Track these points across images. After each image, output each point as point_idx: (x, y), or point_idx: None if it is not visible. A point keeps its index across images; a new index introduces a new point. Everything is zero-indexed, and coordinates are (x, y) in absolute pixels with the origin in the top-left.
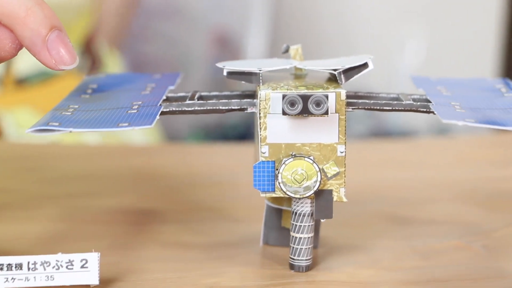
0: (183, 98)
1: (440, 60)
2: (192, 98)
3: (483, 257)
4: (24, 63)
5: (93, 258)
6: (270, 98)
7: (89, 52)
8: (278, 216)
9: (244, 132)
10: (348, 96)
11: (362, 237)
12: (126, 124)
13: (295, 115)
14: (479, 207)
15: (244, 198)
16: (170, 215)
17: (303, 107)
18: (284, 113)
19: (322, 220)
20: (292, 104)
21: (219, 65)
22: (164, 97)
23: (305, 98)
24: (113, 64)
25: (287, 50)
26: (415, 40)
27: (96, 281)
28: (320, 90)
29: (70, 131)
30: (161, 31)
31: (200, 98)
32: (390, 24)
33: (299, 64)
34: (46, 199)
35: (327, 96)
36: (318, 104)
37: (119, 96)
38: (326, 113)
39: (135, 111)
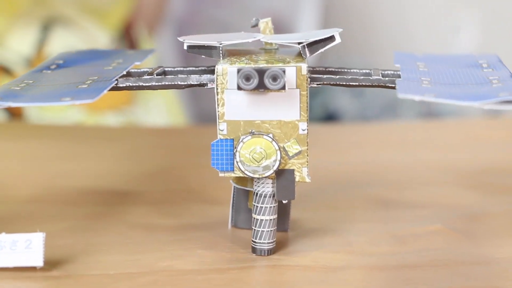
0: (143, 74)
1: (496, 44)
2: (151, 74)
3: (462, 242)
4: (56, 45)
5: (38, 238)
6: (227, 72)
7: (128, 37)
8: (246, 197)
9: None
10: (314, 71)
11: (339, 220)
12: (69, 98)
13: (251, 90)
14: (474, 191)
15: (226, 180)
16: (144, 196)
17: (259, 81)
18: (239, 88)
19: (284, 201)
20: (248, 78)
21: (180, 39)
22: (124, 72)
23: (261, 72)
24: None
25: (256, 24)
26: (470, 24)
27: (40, 263)
28: (280, 64)
29: (9, 105)
30: (213, 17)
31: (163, 73)
32: (444, 8)
33: (263, 37)
34: (23, 179)
35: (284, 71)
36: (274, 78)
37: (79, 72)
38: (283, 88)
39: (86, 85)
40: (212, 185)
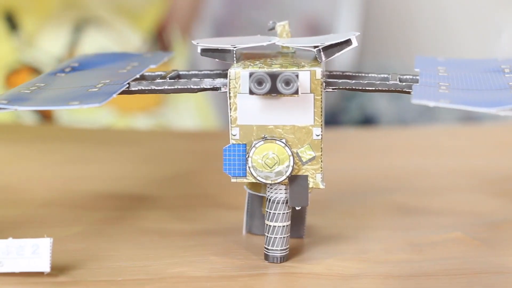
0: (157, 77)
1: None
2: (164, 77)
3: (482, 251)
4: (88, 46)
5: (45, 244)
6: (240, 76)
7: (160, 40)
8: (261, 203)
9: (328, 120)
10: (330, 76)
11: (356, 227)
12: (77, 102)
13: (264, 94)
14: (496, 198)
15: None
16: (160, 201)
17: (271, 86)
18: (251, 92)
19: (297, 208)
20: (260, 82)
21: (194, 42)
22: (138, 76)
23: (273, 77)
24: (182, 53)
25: (273, 27)
26: None
27: (47, 268)
28: (294, 69)
29: (16, 109)
30: (251, 19)
31: (178, 77)
32: (487, 9)
33: (278, 41)
34: (40, 182)
35: (297, 75)
36: (287, 83)
37: (92, 75)
38: (297, 92)
39: (96, 89)
40: (229, 190)
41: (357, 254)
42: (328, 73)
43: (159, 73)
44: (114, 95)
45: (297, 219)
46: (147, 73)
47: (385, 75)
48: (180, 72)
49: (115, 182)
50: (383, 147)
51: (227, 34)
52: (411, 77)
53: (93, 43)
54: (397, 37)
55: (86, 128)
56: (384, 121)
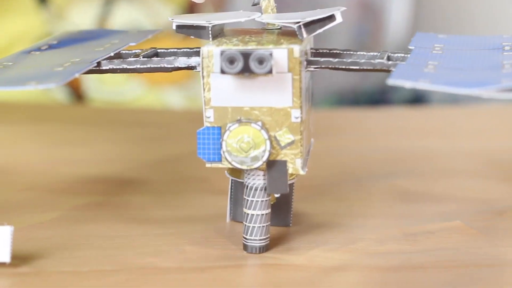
0: (130, 56)
1: None
2: (138, 55)
3: (478, 241)
4: (119, 19)
5: (5, 232)
6: (213, 54)
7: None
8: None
9: (377, 98)
10: (315, 54)
11: (349, 214)
12: (34, 82)
13: (236, 74)
14: (505, 183)
15: None
16: (148, 185)
17: (244, 65)
18: (222, 71)
19: (276, 195)
20: (231, 61)
21: (170, 18)
22: (112, 54)
23: (246, 55)
24: None
25: (258, 2)
26: None
27: (6, 258)
28: (270, 46)
29: None
30: None
31: (155, 55)
32: None
33: (258, 17)
34: (25, 164)
35: (271, 53)
36: (260, 61)
37: (65, 53)
38: (270, 72)
39: (62, 68)
40: (222, 175)
41: (345, 244)
42: (314, 50)
43: (136, 51)
44: (77, 75)
45: (283, 207)
46: (124, 51)
47: (375, 53)
48: (158, 50)
49: (105, 165)
50: (397, 128)
51: (279, 11)
52: (402, 55)
53: (124, 16)
54: (451, 15)
55: (90, 107)
56: (436, 100)
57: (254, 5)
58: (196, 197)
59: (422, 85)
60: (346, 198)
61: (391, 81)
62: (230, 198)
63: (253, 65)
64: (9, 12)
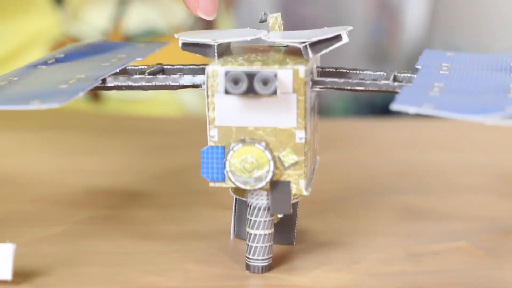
0: (135, 72)
1: None
2: (143, 72)
3: (485, 263)
4: (133, 19)
5: (7, 250)
6: (217, 74)
7: None
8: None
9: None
10: (322, 73)
11: (354, 233)
12: (38, 101)
13: (240, 94)
14: None
15: None
16: (154, 198)
17: (248, 85)
18: (227, 92)
19: (279, 215)
20: (236, 82)
21: (176, 35)
22: (118, 70)
23: (250, 76)
24: (227, 26)
25: (265, 20)
26: None
27: (8, 276)
28: (275, 67)
29: None
30: None
31: (162, 71)
32: None
33: (265, 36)
34: (32, 174)
35: (275, 74)
36: (265, 82)
37: (71, 68)
38: (275, 93)
39: (66, 85)
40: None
41: (349, 264)
42: (320, 69)
43: (143, 67)
44: (81, 93)
45: (287, 225)
46: (130, 67)
47: (381, 73)
48: (165, 67)
49: (112, 176)
50: (409, 140)
51: (297, 8)
52: (409, 75)
53: (138, 16)
54: (467, 13)
55: (101, 115)
56: None
57: (261, 22)
58: (203, 211)
59: (426, 110)
60: (352, 215)
61: (395, 107)
62: (234, 215)
63: (257, 86)
64: (25, 13)
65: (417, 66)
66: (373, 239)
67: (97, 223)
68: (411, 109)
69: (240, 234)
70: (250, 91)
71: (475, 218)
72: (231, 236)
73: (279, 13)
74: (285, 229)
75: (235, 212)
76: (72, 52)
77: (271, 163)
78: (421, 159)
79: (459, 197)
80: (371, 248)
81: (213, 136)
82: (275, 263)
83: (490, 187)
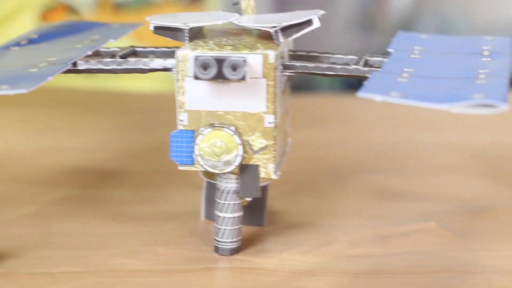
0: (108, 54)
1: None
2: (114, 55)
3: (452, 245)
4: None
5: None
6: (188, 58)
7: None
8: None
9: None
10: (293, 56)
11: (325, 214)
12: (6, 86)
13: (209, 80)
14: (486, 179)
15: None
16: (128, 177)
17: (217, 71)
18: (196, 77)
19: (248, 199)
20: (205, 67)
21: (148, 18)
22: (89, 53)
23: (219, 61)
24: (216, 7)
25: (238, 2)
26: None
27: None
28: (244, 52)
29: None
30: None
31: (134, 54)
32: None
33: (235, 19)
34: (5, 154)
35: (245, 60)
36: (234, 68)
37: (43, 50)
38: (244, 78)
39: (37, 69)
40: None
41: (318, 247)
42: (292, 52)
43: (115, 49)
44: (50, 78)
45: (257, 206)
46: (103, 49)
47: (353, 57)
48: (137, 49)
49: (88, 154)
50: (386, 118)
51: None
52: (380, 59)
53: None
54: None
55: (81, 91)
56: None
57: (234, 4)
58: (175, 191)
59: (392, 99)
60: (324, 195)
61: (361, 94)
62: (205, 197)
63: (226, 71)
64: None
65: (388, 50)
66: (343, 221)
67: (69, 203)
68: (378, 97)
69: (211, 215)
70: (219, 77)
71: (447, 198)
72: (202, 217)
73: None
74: (255, 211)
75: (205, 194)
76: (46, 32)
77: (240, 147)
78: (396, 138)
79: (432, 177)
80: (341, 230)
81: (182, 120)
82: (245, 245)
83: (463, 167)
